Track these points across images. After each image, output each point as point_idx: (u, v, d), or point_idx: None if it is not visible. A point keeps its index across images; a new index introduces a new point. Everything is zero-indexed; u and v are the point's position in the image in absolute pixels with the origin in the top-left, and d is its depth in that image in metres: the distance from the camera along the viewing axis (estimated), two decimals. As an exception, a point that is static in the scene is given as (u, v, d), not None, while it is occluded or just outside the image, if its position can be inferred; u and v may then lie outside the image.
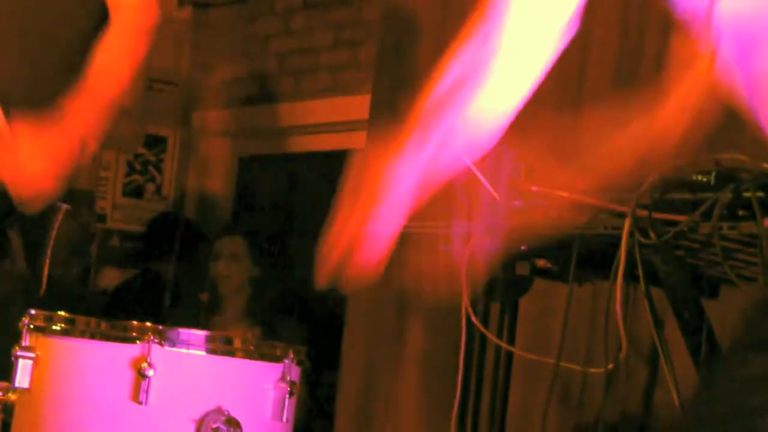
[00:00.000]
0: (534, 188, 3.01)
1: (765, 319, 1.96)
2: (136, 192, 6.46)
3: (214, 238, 5.81)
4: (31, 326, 2.64)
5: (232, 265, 5.50)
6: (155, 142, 6.94)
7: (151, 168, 7.15)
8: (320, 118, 6.60)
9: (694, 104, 2.25)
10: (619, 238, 2.83)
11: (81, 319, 2.69)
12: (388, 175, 2.12)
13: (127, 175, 6.74)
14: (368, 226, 2.16)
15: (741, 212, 2.63)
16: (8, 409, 2.59)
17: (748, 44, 2.02)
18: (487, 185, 3.17)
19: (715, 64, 2.06)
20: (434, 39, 5.27)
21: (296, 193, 7.05)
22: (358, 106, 5.70)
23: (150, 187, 7.20)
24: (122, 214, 6.23)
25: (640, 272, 2.92)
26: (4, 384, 2.56)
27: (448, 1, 5.31)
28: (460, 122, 2.15)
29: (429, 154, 2.15)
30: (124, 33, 3.26)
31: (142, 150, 6.05)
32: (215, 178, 7.12)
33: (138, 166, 6.75)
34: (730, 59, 2.05)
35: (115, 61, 3.24)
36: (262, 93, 6.93)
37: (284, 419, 2.68)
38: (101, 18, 3.26)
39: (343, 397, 5.39)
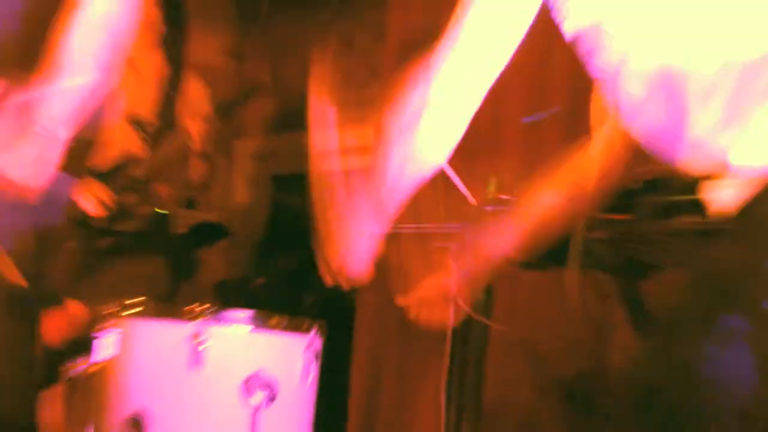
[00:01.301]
0: (503, 197, 3.14)
1: (695, 296, 2.10)
2: (190, 205, 6.93)
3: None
4: (110, 309, 2.84)
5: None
6: (204, 165, 7.51)
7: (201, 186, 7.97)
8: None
9: (610, 153, 2.39)
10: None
11: (147, 302, 2.92)
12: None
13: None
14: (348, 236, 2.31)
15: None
16: (92, 378, 2.76)
17: (655, 97, 2.11)
18: (465, 191, 3.26)
19: (620, 117, 2.21)
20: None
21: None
22: (364, 134, 6.32)
23: (202, 200, 7.77)
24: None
25: (587, 258, 2.91)
26: (85, 357, 2.83)
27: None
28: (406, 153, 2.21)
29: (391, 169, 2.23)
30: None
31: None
32: (252, 192, 7.71)
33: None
34: (638, 109, 2.15)
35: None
36: (286, 125, 7.47)
37: (309, 380, 2.91)
38: None
39: (356, 362, 5.39)
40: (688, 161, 2.18)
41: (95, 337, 2.87)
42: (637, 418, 2.18)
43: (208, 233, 6.40)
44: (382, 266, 2.19)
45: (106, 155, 4.59)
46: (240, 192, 7.69)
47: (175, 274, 5.18)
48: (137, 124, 4.90)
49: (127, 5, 2.92)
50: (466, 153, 4.62)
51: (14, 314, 3.19)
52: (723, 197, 2.13)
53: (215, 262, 6.40)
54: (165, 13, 4.82)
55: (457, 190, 3.51)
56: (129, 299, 3.08)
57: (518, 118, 4.79)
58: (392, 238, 4.43)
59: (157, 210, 4.68)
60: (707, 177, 2.21)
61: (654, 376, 2.18)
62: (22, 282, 3.15)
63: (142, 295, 3.11)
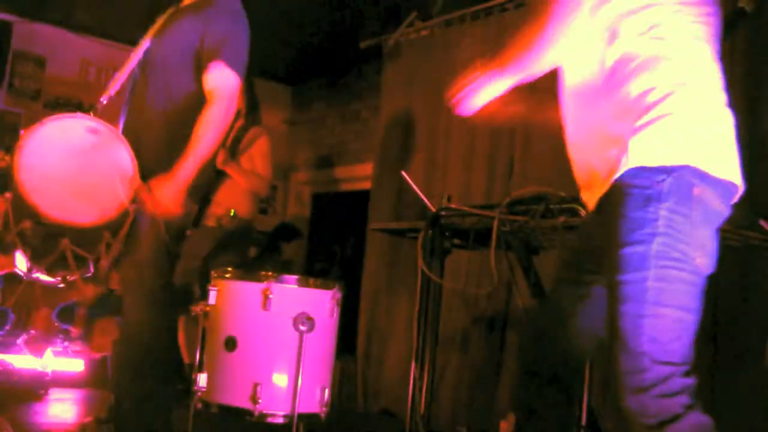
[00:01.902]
0: (452, 205, 3.86)
1: (563, 266, 2.56)
2: (263, 212, 7.64)
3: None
4: (215, 275, 3.58)
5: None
6: (272, 189, 7.95)
7: (270, 201, 8.35)
8: (350, 173, 8.03)
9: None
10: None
11: (237, 270, 3.59)
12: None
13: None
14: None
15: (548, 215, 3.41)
16: (205, 315, 3.53)
17: (579, 105, 2.40)
18: (424, 199, 3.97)
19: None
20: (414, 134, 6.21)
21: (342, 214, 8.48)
22: (367, 169, 6.87)
23: (270, 210, 8.32)
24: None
25: (501, 244, 3.55)
26: (203, 302, 3.52)
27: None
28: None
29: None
30: (215, 109, 3.18)
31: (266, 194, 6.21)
32: (300, 205, 8.94)
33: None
34: (566, 115, 2.44)
35: (208, 125, 3.16)
36: (321, 164, 8.32)
37: (334, 318, 3.57)
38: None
39: (362, 307, 6.11)
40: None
41: (209, 290, 3.51)
42: (530, 342, 2.62)
43: (284, 232, 7.41)
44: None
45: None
46: (292, 205, 8.85)
47: (262, 255, 5.95)
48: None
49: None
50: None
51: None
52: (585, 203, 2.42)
53: (286, 249, 6.99)
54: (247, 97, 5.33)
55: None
56: (226, 270, 3.56)
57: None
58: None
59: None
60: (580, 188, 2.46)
61: (539, 317, 2.71)
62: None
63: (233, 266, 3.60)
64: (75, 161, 3.09)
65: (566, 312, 2.44)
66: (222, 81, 3.20)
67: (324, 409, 3.48)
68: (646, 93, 2.18)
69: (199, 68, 3.24)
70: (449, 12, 5.90)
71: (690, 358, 2.08)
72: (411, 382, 3.92)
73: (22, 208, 3.00)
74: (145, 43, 3.41)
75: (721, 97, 2.26)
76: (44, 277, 3.17)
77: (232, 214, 4.72)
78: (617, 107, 2.22)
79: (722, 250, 3.56)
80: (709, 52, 2.28)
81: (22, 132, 3.18)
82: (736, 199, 2.25)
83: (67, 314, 5.84)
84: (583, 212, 3.25)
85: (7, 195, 3.07)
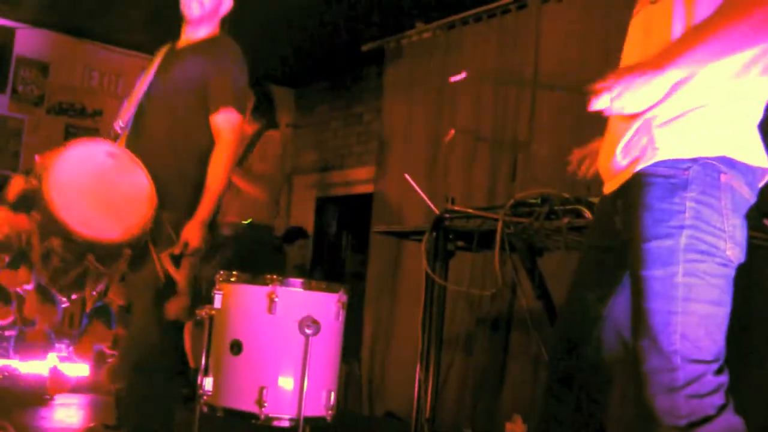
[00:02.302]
0: (456, 207, 3.86)
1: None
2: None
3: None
4: (221, 279, 3.54)
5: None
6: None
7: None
8: (353, 176, 7.93)
9: None
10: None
11: (243, 274, 3.53)
12: None
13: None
14: None
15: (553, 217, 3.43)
16: (211, 318, 3.47)
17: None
18: (428, 201, 4.01)
19: None
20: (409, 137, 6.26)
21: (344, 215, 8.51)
22: (370, 171, 6.92)
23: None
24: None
25: (505, 245, 3.57)
26: (208, 306, 3.48)
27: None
28: None
29: None
30: (224, 151, 3.64)
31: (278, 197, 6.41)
32: (304, 208, 8.91)
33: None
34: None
35: (220, 162, 3.60)
36: (325, 167, 8.21)
37: (340, 321, 3.54)
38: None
39: (367, 309, 6.17)
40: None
41: (213, 294, 3.47)
42: (557, 350, 2.53)
43: (293, 235, 7.45)
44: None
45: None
46: (296, 208, 8.48)
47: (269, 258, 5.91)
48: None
49: None
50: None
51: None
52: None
53: (292, 251, 7.02)
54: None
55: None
56: (231, 273, 3.54)
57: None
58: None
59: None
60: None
61: (563, 324, 2.60)
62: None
63: (238, 270, 3.57)
64: (99, 182, 3.40)
65: (590, 317, 2.37)
66: (229, 123, 3.65)
67: (330, 412, 3.47)
68: (676, 84, 2.08)
69: (204, 104, 3.66)
70: (451, 14, 5.88)
71: (722, 354, 2.02)
72: (416, 384, 3.94)
73: (50, 227, 3.25)
74: (149, 77, 3.79)
75: (750, 84, 2.13)
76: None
77: (248, 221, 4.72)
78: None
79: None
80: None
81: (38, 155, 3.45)
82: (763, 182, 2.17)
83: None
84: (587, 213, 3.30)
85: (34, 215, 3.30)
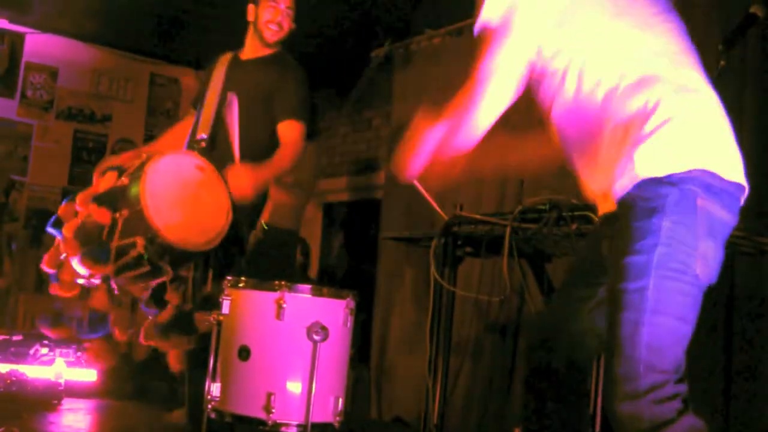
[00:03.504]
0: (464, 213, 3.88)
1: (574, 272, 2.56)
2: None
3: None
4: (229, 284, 3.54)
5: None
6: None
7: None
8: (362, 182, 7.94)
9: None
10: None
11: (251, 280, 3.54)
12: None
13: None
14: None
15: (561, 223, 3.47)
16: (219, 324, 3.48)
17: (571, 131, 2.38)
18: (437, 207, 3.96)
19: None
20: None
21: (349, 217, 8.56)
22: (380, 178, 6.99)
23: None
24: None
25: (513, 251, 3.61)
26: (216, 312, 3.49)
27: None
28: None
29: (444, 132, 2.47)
30: (290, 149, 4.06)
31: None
32: (312, 214, 8.99)
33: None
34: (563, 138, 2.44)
35: (283, 158, 4.02)
36: (333, 172, 8.14)
37: (348, 327, 3.53)
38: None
39: (375, 316, 6.18)
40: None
41: (222, 300, 3.48)
42: (535, 344, 2.61)
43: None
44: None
45: None
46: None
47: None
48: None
49: None
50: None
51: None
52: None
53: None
54: None
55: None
56: (239, 279, 3.56)
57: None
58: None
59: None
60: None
61: (543, 319, 2.73)
62: None
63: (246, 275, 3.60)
64: (188, 193, 3.69)
65: (570, 313, 2.48)
66: (292, 132, 4.12)
67: (338, 418, 3.47)
68: (638, 108, 2.19)
69: (270, 114, 4.12)
70: (460, 20, 5.88)
71: (682, 368, 2.11)
72: (424, 390, 3.95)
73: (138, 227, 3.49)
74: (218, 88, 4.19)
75: (707, 94, 2.27)
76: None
77: (264, 226, 4.73)
78: (614, 128, 2.24)
79: (736, 257, 3.64)
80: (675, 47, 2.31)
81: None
82: (743, 201, 2.24)
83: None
84: (595, 219, 3.22)
85: (123, 212, 3.54)
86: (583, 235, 3.33)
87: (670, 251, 2.09)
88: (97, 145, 8.14)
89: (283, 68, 4.16)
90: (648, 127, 2.15)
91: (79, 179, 7.97)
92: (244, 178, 3.80)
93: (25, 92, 7.71)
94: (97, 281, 3.65)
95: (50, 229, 3.77)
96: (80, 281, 3.66)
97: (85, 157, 8.07)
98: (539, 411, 2.54)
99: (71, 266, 3.64)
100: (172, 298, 3.71)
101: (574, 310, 2.46)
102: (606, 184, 2.24)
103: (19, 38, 7.66)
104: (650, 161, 2.14)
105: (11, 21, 7.47)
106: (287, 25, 4.24)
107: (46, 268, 3.77)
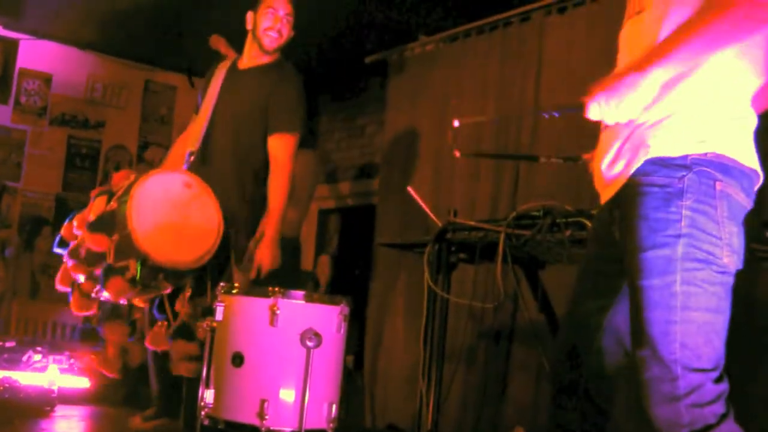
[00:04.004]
0: (458, 220, 3.90)
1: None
2: None
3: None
4: (223, 290, 3.52)
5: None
6: None
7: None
8: (355, 188, 7.93)
9: None
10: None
11: (244, 286, 3.58)
12: None
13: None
14: None
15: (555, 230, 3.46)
16: (212, 330, 3.46)
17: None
18: (430, 214, 4.07)
19: None
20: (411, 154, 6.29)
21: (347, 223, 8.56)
22: (374, 185, 6.96)
23: None
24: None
25: (507, 258, 3.63)
26: (210, 318, 3.46)
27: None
28: None
29: None
30: (282, 174, 4.01)
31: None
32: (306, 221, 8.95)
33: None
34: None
35: (280, 184, 3.99)
36: (327, 179, 8.01)
37: (342, 333, 3.52)
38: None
39: (369, 322, 6.11)
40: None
41: (216, 306, 3.47)
42: (561, 361, 2.58)
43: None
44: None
45: None
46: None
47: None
48: None
49: None
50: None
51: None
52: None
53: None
54: None
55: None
56: (232, 285, 3.56)
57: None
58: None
59: None
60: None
61: (565, 334, 2.63)
62: None
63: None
64: (175, 212, 3.75)
65: (591, 327, 2.37)
66: (285, 146, 4.07)
67: (331, 425, 3.46)
68: (664, 87, 2.07)
69: (263, 124, 4.09)
70: (454, 27, 5.89)
71: (721, 362, 2.02)
72: (418, 396, 3.94)
73: (129, 250, 3.60)
74: (213, 96, 4.20)
75: (743, 88, 2.16)
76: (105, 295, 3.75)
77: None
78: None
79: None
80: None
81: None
82: (758, 186, 2.18)
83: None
84: (589, 226, 3.25)
85: (114, 237, 3.61)
86: (578, 241, 3.33)
87: (694, 242, 2.01)
88: (91, 152, 8.12)
89: (281, 77, 4.16)
90: (666, 112, 2.10)
91: (72, 185, 7.94)
92: (268, 255, 3.95)
93: (18, 98, 7.70)
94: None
95: (57, 249, 3.86)
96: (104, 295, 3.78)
97: (79, 163, 8.05)
98: (568, 428, 2.51)
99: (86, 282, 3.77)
100: (183, 307, 3.80)
101: (593, 323, 2.37)
102: (616, 164, 2.17)
103: (13, 44, 7.65)
104: (665, 141, 2.08)
105: (5, 27, 7.45)
106: (287, 32, 4.23)
107: (60, 287, 3.88)
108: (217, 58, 4.70)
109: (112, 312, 3.96)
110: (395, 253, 5.70)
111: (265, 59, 4.24)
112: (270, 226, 3.93)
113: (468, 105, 5.51)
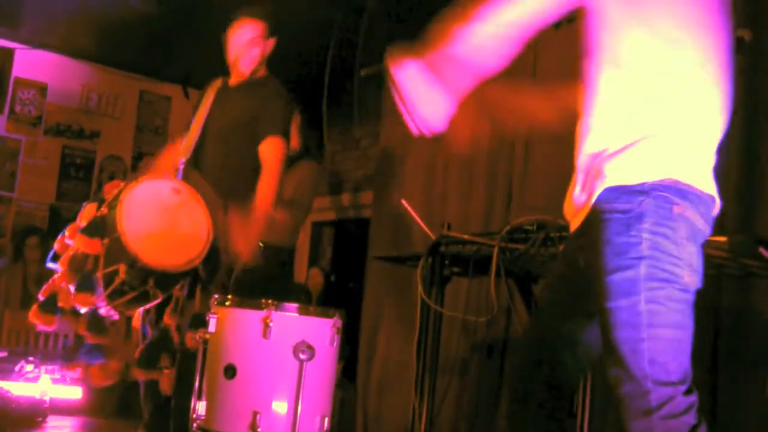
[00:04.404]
0: (452, 233, 3.88)
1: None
2: None
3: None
4: (216, 302, 3.52)
5: None
6: None
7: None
8: (350, 201, 7.91)
9: None
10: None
11: (237, 298, 3.53)
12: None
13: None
14: None
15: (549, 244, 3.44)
16: (205, 342, 3.46)
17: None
18: (424, 227, 4.05)
19: None
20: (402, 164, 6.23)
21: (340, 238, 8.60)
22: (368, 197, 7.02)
23: None
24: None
25: (500, 271, 3.61)
26: (202, 330, 3.46)
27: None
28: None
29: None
30: (271, 176, 4.04)
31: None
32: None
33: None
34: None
35: (267, 185, 4.01)
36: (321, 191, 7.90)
37: (334, 346, 3.50)
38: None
39: (362, 335, 6.12)
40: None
41: (209, 318, 3.47)
42: (517, 368, 2.60)
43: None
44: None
45: None
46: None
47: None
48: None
49: None
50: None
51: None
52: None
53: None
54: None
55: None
56: (225, 297, 3.54)
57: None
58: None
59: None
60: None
61: (525, 343, 2.69)
62: None
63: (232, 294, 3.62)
64: (165, 217, 3.80)
65: (552, 334, 2.43)
66: (273, 150, 4.12)
67: (324, 437, 3.35)
68: (620, 118, 2.17)
69: (254, 136, 4.13)
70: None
71: (689, 375, 2.09)
72: (411, 409, 3.93)
73: (119, 254, 3.61)
74: (205, 112, 4.28)
75: (704, 108, 2.22)
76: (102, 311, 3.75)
77: (261, 245, 4.74)
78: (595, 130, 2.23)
79: (723, 279, 3.62)
80: (691, 60, 2.22)
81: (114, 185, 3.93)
82: (714, 213, 2.24)
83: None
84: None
85: (105, 241, 3.63)
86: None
87: (656, 263, 2.07)
88: (86, 162, 8.11)
89: (267, 91, 4.26)
90: (624, 142, 2.15)
91: (66, 195, 7.92)
92: (247, 248, 3.90)
93: (14, 107, 7.69)
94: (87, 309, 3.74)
95: (50, 264, 3.87)
96: (82, 310, 3.76)
97: (73, 173, 8.04)
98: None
99: (67, 294, 3.75)
100: (172, 320, 3.80)
101: (554, 330, 2.42)
102: (581, 194, 2.23)
103: (9, 54, 7.64)
104: (622, 170, 2.13)
105: (1, 36, 7.44)
106: (258, 53, 4.31)
107: (41, 297, 3.86)
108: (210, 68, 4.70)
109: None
110: (389, 266, 5.70)
111: (251, 75, 4.36)
112: (254, 223, 3.94)
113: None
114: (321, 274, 7.25)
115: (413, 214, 4.05)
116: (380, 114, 6.54)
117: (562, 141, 4.64)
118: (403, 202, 4.26)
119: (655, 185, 2.10)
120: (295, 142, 5.47)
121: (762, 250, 3.02)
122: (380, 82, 6.51)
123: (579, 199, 2.24)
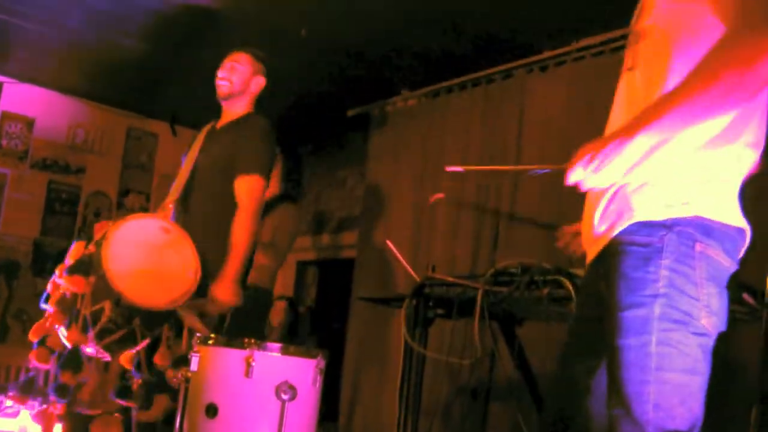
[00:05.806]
0: (436, 275, 3.90)
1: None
2: None
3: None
4: (198, 341, 3.49)
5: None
6: None
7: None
8: (335, 241, 7.93)
9: None
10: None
11: (220, 337, 3.53)
12: None
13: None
14: None
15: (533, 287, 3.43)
16: (187, 380, 3.43)
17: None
18: (409, 268, 4.06)
19: None
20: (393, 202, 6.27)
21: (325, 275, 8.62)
22: (353, 237, 7.01)
23: None
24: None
25: (485, 314, 3.59)
26: (184, 368, 3.43)
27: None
28: None
29: None
30: (245, 215, 4.02)
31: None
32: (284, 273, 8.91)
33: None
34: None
35: (241, 225, 3.99)
36: (306, 231, 8.02)
37: (317, 386, 3.47)
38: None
39: (345, 376, 6.10)
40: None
41: (191, 356, 3.44)
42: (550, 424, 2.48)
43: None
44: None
45: None
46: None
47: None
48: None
49: None
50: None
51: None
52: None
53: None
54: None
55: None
56: (208, 336, 3.53)
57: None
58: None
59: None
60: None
61: (555, 397, 2.54)
62: None
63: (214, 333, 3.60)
64: (152, 255, 3.80)
65: (580, 389, 2.31)
66: (248, 187, 4.07)
67: (305, 478, 3.31)
68: (650, 150, 2.03)
69: (233, 175, 4.09)
70: (436, 83, 5.94)
71: (698, 423, 1.99)
72: (393, 452, 3.75)
73: (105, 291, 3.61)
74: (194, 156, 4.28)
75: (733, 140, 2.09)
76: (90, 350, 3.78)
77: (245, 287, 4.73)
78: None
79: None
80: None
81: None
82: (746, 244, 2.13)
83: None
84: (567, 284, 3.27)
85: (90, 279, 3.64)
86: (555, 299, 3.33)
87: (671, 303, 1.98)
88: (71, 197, 8.07)
89: (246, 129, 4.23)
90: (651, 172, 2.07)
91: (51, 230, 7.87)
92: (227, 292, 3.91)
93: (0, 141, 7.66)
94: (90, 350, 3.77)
95: (43, 305, 3.86)
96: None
97: (58, 208, 7.99)
98: None
99: (58, 336, 3.78)
100: (163, 360, 3.75)
101: (582, 384, 2.31)
102: (602, 225, 2.15)
103: (-3, 87, 7.62)
104: (649, 205, 2.05)
105: (-11, 70, 7.44)
106: (237, 79, 4.33)
107: (32, 338, 3.87)
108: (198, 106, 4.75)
109: None
110: (373, 307, 5.68)
111: (235, 116, 4.35)
112: (229, 265, 3.93)
113: (450, 160, 5.52)
114: (286, 307, 7.20)
115: (398, 255, 4.06)
116: (366, 154, 6.54)
117: (550, 183, 4.71)
118: (388, 243, 4.27)
119: (679, 220, 2.02)
120: (275, 187, 5.56)
121: (745, 295, 3.07)
122: (366, 122, 6.54)
123: (598, 228, 2.17)
